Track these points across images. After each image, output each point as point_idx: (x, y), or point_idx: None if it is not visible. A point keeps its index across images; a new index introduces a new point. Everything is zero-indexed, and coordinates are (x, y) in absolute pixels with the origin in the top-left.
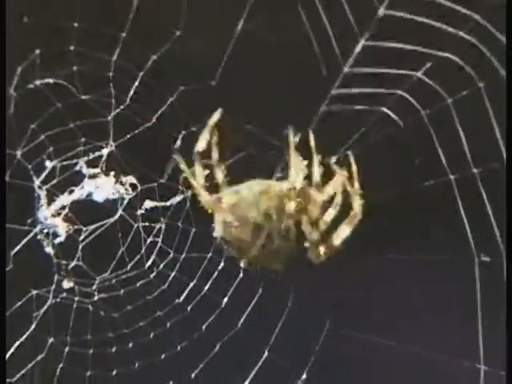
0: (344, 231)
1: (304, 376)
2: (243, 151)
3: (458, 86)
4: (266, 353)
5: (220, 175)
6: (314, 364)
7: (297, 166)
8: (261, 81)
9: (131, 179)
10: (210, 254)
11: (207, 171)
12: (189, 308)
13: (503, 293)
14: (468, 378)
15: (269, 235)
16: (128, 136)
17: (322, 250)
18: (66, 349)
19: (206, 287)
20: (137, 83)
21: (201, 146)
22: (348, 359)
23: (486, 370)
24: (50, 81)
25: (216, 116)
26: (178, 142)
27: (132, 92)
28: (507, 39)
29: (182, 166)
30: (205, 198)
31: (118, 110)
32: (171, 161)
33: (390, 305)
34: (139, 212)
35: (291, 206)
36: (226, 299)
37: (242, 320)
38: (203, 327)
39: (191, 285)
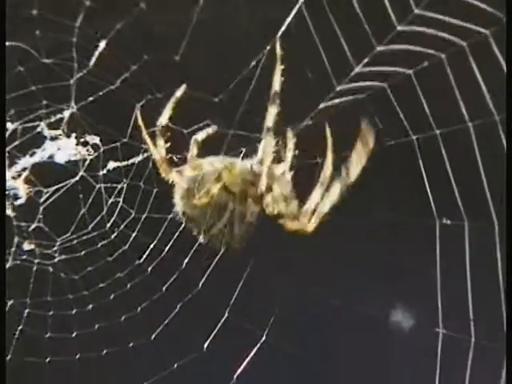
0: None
1: (263, 338)
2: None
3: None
4: (226, 314)
5: (194, 151)
6: (273, 325)
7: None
8: (224, 55)
9: (93, 138)
10: (171, 215)
11: (168, 144)
12: (149, 269)
13: (464, 256)
14: (427, 341)
15: (231, 215)
16: (90, 98)
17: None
18: (26, 311)
19: (167, 248)
20: (100, 50)
21: (163, 120)
22: (307, 321)
23: (444, 334)
24: (13, 44)
25: (180, 92)
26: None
27: (95, 58)
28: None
29: (143, 128)
30: (165, 169)
31: (80, 74)
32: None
33: (348, 267)
34: (101, 173)
35: (253, 190)
36: (186, 260)
37: (202, 281)
38: (163, 288)
39: (152, 245)
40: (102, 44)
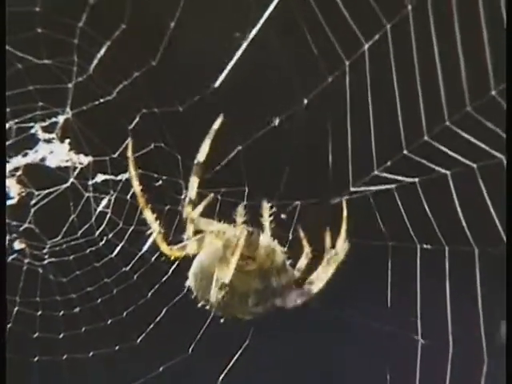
0: (326, 273)
1: (246, 342)
2: None
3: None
4: (210, 318)
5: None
6: (256, 329)
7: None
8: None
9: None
10: None
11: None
12: (135, 276)
13: (443, 275)
14: (406, 350)
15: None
16: (85, 107)
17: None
18: (15, 309)
19: (154, 258)
20: (102, 52)
21: (202, 156)
22: (290, 325)
23: (422, 343)
24: (12, 40)
25: (217, 123)
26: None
27: (96, 62)
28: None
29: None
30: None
31: (79, 79)
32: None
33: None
34: (90, 182)
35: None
36: (172, 268)
37: (186, 287)
38: (149, 294)
39: (139, 255)
40: (105, 46)
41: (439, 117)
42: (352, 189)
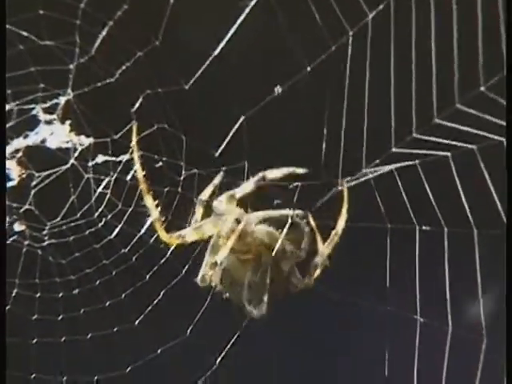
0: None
1: (245, 323)
2: None
3: None
4: (209, 299)
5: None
6: None
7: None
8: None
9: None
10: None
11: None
12: (134, 258)
13: (440, 255)
14: (406, 328)
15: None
16: (86, 89)
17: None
18: (14, 291)
19: (152, 240)
20: (104, 33)
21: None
22: (288, 307)
23: (421, 321)
24: (14, 21)
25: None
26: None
27: (98, 43)
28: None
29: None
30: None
31: (81, 60)
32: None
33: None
34: (90, 163)
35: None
36: (170, 250)
37: (185, 268)
38: (147, 276)
39: (137, 236)
40: (107, 27)
41: (449, 96)
42: (345, 181)
